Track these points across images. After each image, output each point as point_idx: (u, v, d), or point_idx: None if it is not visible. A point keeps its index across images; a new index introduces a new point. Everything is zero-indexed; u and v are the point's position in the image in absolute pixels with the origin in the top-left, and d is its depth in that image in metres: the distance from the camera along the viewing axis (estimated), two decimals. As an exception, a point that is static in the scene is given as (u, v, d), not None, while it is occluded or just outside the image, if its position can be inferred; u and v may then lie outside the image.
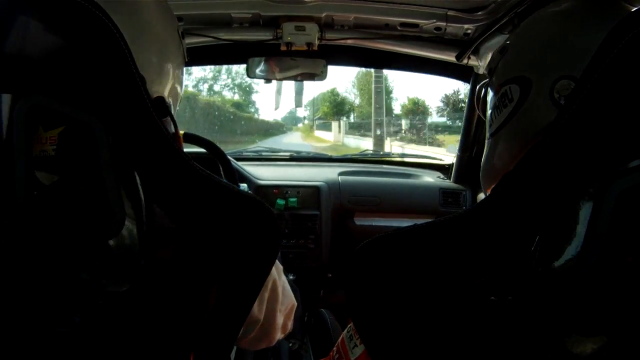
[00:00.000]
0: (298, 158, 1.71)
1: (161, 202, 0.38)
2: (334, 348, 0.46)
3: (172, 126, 0.49)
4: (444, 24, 1.00)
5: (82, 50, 0.35)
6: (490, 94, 0.48)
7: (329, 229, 1.33)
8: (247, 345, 0.54)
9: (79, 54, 0.35)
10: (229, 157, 0.98)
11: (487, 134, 0.49)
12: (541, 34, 0.43)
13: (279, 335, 0.56)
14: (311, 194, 1.34)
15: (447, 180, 1.50)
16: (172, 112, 0.50)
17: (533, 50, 0.43)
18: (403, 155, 1.89)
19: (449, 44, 1.10)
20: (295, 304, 0.58)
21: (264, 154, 1.72)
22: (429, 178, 1.52)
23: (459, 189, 1.42)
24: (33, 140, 0.37)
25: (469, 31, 1.03)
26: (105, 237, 0.37)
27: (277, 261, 0.52)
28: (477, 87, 0.55)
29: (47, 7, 0.34)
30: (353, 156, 1.78)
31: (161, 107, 0.46)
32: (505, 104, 0.44)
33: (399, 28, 1.07)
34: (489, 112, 0.48)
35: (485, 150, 0.50)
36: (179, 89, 0.52)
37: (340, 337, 0.46)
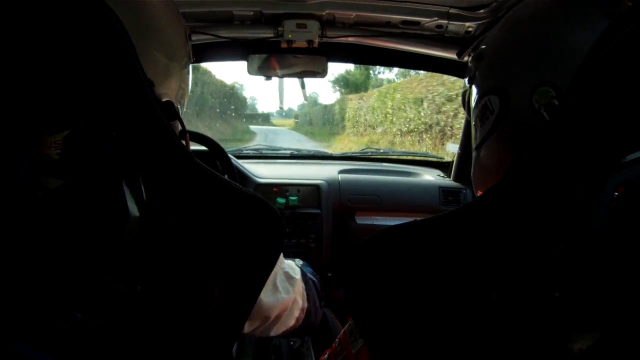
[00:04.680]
0: (298, 156, 1.71)
1: (166, 202, 0.39)
2: (336, 340, 0.47)
3: (180, 127, 0.49)
4: (445, 21, 1.00)
5: (89, 52, 0.35)
6: (472, 105, 0.46)
7: (330, 227, 1.33)
8: (259, 335, 0.56)
9: (85, 55, 0.35)
10: (229, 155, 0.98)
11: (473, 145, 0.47)
12: (515, 38, 0.41)
13: (291, 322, 0.58)
14: (311, 192, 1.34)
15: (448, 179, 1.50)
16: (180, 113, 0.50)
17: (506, 56, 0.41)
18: (403, 153, 1.87)
19: (450, 42, 1.10)
20: (301, 282, 0.60)
21: (264, 151, 1.71)
22: (429, 176, 1.52)
23: (459, 188, 1.42)
24: (38, 144, 0.37)
25: (470, 29, 1.03)
26: (109, 237, 0.37)
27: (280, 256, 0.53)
28: (462, 92, 0.53)
29: (55, 7, 0.34)
30: (353, 154, 1.78)
31: (170, 110, 0.46)
32: (487, 116, 0.42)
33: (400, 26, 1.07)
34: (472, 122, 0.46)
35: (473, 160, 0.48)
36: (186, 89, 0.52)
37: (342, 330, 0.46)
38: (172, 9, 0.48)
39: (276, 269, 0.55)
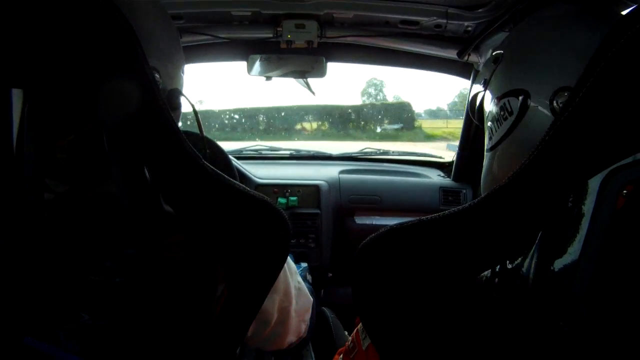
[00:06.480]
0: (298, 157, 1.70)
1: (172, 201, 0.39)
2: (350, 338, 0.48)
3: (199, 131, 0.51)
4: (444, 21, 1.00)
5: (99, 54, 0.34)
6: (488, 106, 0.48)
7: (330, 227, 1.33)
8: (256, 344, 0.54)
9: (94, 57, 0.34)
10: (230, 157, 0.98)
11: (486, 146, 0.48)
12: (535, 42, 0.42)
13: (291, 339, 0.56)
14: (311, 192, 1.34)
15: (448, 179, 1.49)
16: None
17: (528, 60, 0.42)
18: (403, 153, 1.87)
19: (449, 41, 1.10)
20: (310, 305, 0.59)
21: (263, 152, 1.71)
22: (430, 176, 1.52)
23: (459, 187, 1.42)
24: (46, 148, 0.37)
25: (470, 28, 1.03)
26: (115, 238, 0.37)
27: (290, 263, 0.53)
28: (471, 96, 0.55)
29: (64, 5, 0.33)
30: (353, 154, 1.78)
31: (175, 99, 0.46)
32: (505, 117, 0.43)
33: (399, 25, 1.07)
34: (488, 124, 0.48)
35: (485, 163, 0.49)
36: (181, 89, 0.52)
37: (355, 329, 0.48)
38: (163, 13, 0.48)
39: (292, 276, 0.54)
